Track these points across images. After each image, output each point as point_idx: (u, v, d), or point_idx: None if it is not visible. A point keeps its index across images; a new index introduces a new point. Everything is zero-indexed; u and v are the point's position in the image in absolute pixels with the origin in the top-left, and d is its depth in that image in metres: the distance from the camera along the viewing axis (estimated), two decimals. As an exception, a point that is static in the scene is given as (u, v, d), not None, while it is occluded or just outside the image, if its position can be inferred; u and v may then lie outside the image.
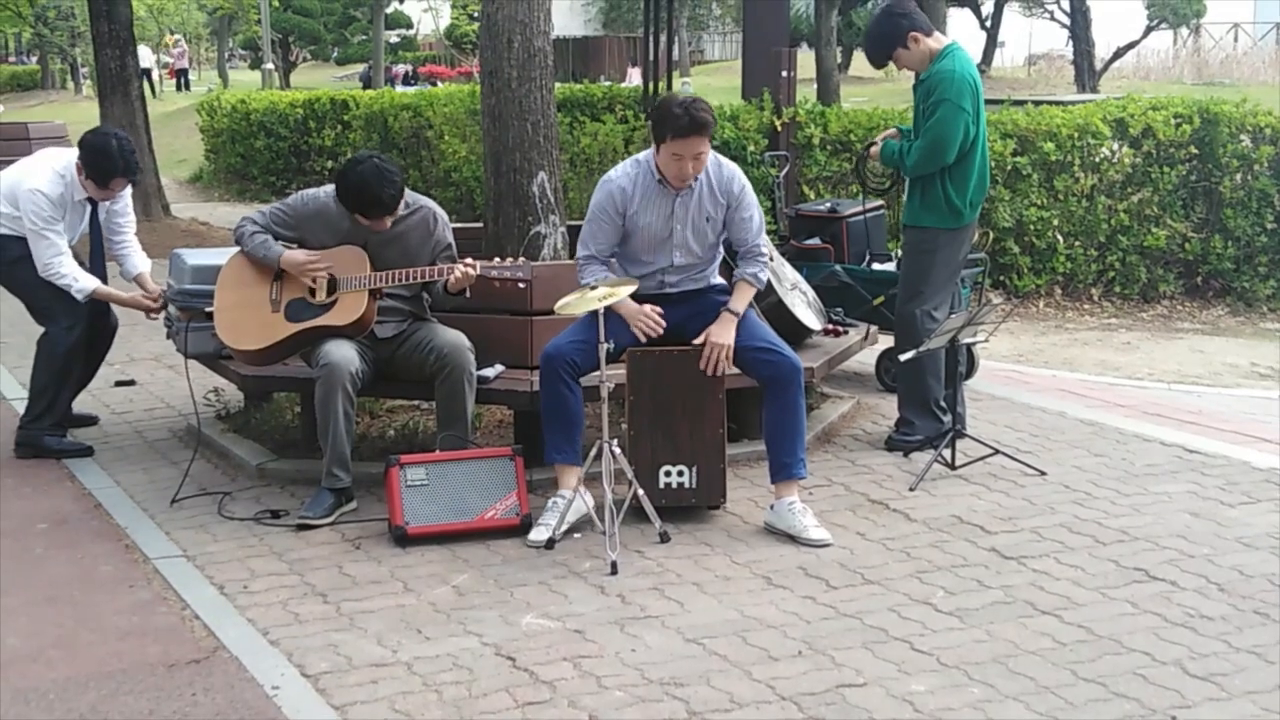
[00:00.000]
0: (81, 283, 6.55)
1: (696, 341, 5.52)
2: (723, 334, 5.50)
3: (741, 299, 5.63)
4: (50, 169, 6.52)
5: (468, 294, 5.79)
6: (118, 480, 6.26)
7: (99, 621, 4.71)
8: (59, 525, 5.73)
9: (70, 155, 6.59)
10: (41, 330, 6.76)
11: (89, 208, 6.68)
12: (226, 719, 3.98)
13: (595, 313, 5.25)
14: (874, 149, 6.75)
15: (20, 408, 7.56)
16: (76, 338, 6.66)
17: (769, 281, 6.54)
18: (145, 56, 41.36)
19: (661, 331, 5.52)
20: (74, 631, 4.63)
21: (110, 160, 6.47)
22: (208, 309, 6.07)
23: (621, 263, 5.73)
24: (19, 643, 4.53)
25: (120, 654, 4.44)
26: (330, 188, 5.88)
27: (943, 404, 6.52)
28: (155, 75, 46.18)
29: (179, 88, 48.41)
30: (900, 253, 7.15)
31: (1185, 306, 11.09)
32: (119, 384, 8.07)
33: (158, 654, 4.44)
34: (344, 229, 5.80)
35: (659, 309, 5.53)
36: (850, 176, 11.43)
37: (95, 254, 6.82)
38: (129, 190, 6.88)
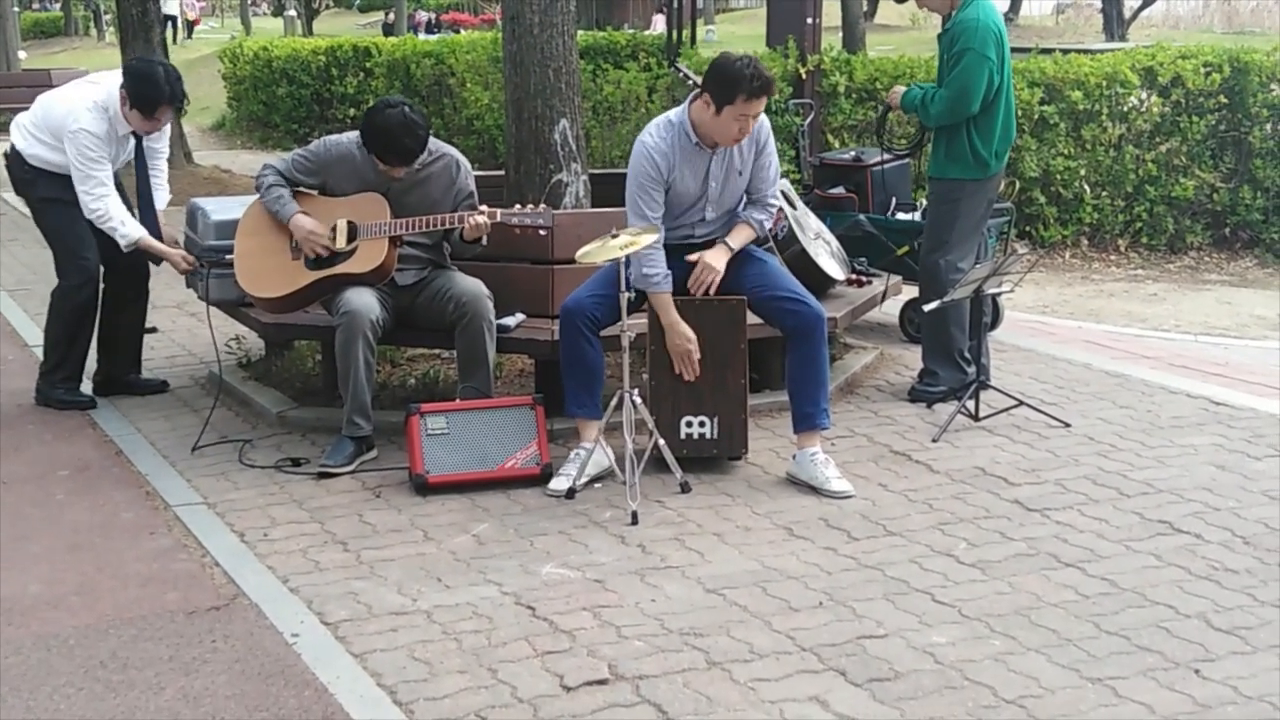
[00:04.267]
0: (128, 229, 6.32)
1: (689, 258, 5.46)
2: (715, 259, 5.46)
3: (739, 236, 5.57)
4: (93, 103, 6.25)
5: (484, 242, 5.76)
6: (139, 427, 6.27)
7: (119, 568, 4.72)
8: (80, 472, 5.74)
9: (111, 86, 6.33)
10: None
11: (133, 141, 6.46)
12: (246, 665, 3.99)
13: (615, 265, 5.21)
14: (893, 97, 6.67)
15: (40, 354, 7.59)
16: (85, 298, 6.52)
17: (792, 230, 6.51)
18: (171, 3, 41.40)
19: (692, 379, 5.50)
20: (94, 578, 4.64)
21: (157, 88, 6.22)
22: (228, 256, 6.05)
23: None
24: (40, 589, 4.54)
25: (140, 601, 4.45)
26: (354, 134, 5.85)
27: (967, 355, 6.48)
28: (180, 22, 46.13)
29: (186, 34, 48.41)
30: (925, 203, 7.10)
31: (1213, 258, 10.99)
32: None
33: (178, 601, 4.44)
34: (367, 176, 5.76)
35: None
36: (873, 130, 11.35)
37: (143, 194, 6.58)
38: (168, 126, 6.66)
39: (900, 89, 6.66)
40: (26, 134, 6.43)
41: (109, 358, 6.84)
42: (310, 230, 5.73)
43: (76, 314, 6.56)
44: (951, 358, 6.52)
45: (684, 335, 5.44)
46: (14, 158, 6.48)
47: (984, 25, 6.21)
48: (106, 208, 6.26)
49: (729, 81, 5.26)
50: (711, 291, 5.46)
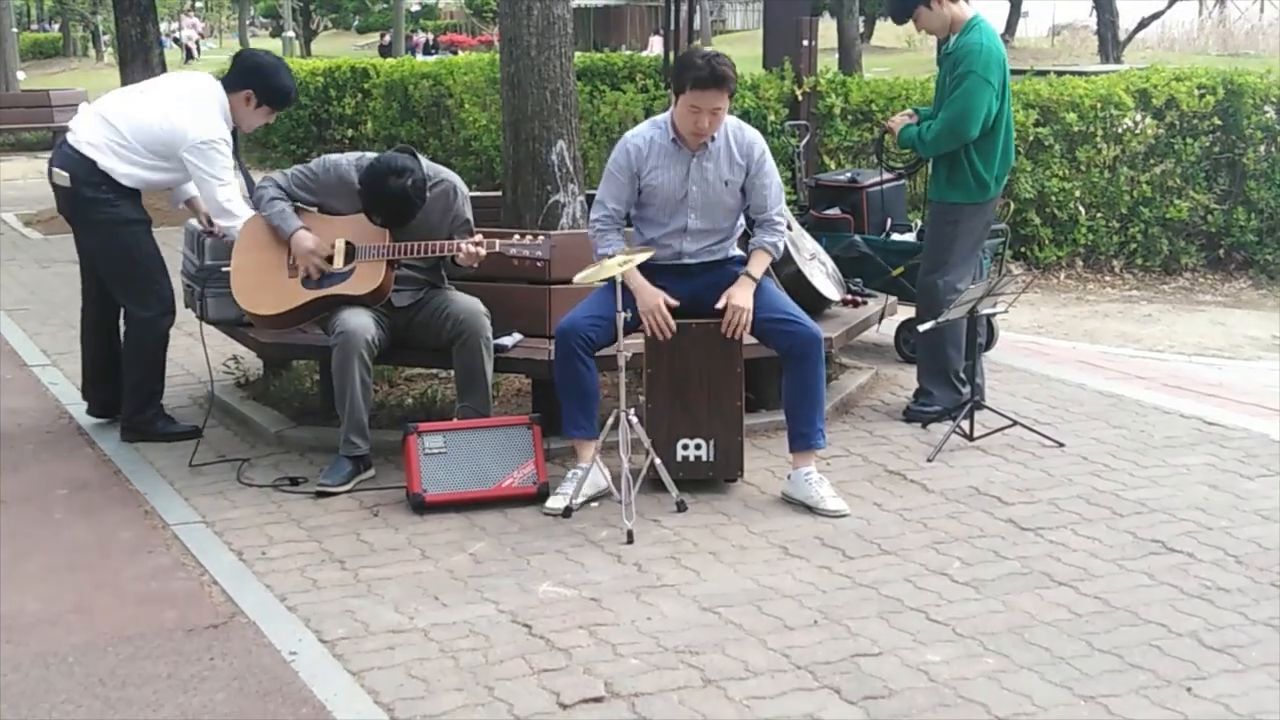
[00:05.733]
0: (241, 219, 6.10)
1: (718, 305, 5.48)
2: (743, 297, 5.47)
3: (758, 265, 5.59)
4: (213, 110, 6.09)
5: (474, 267, 5.77)
6: (137, 447, 6.27)
7: (118, 587, 4.74)
8: (79, 491, 5.76)
9: (216, 90, 6.16)
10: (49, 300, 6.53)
11: (233, 142, 6.26)
12: (244, 683, 4.01)
13: (611, 287, 5.24)
14: (893, 124, 6.71)
15: (41, 374, 7.62)
16: (166, 327, 6.32)
17: (787, 251, 6.53)
18: (187, 26, 41.62)
19: (669, 337, 5.50)
20: (93, 596, 4.66)
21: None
22: (225, 268, 6.07)
23: (638, 226, 5.71)
24: (39, 607, 4.56)
25: (139, 619, 4.46)
26: (354, 156, 5.89)
27: (962, 375, 6.51)
28: (190, 45, 46.39)
29: (185, 59, 48.67)
30: (922, 224, 7.13)
31: (1207, 279, 11.02)
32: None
33: (176, 619, 4.46)
34: (368, 197, 5.78)
35: (672, 305, 5.49)
36: (870, 148, 11.39)
37: (249, 190, 6.33)
38: None
39: (899, 119, 6.67)
40: (113, 154, 6.08)
41: (108, 383, 6.62)
42: (310, 249, 5.76)
43: (159, 345, 6.33)
44: (947, 378, 6.55)
45: (652, 293, 5.46)
46: (97, 178, 6.08)
47: (987, 50, 6.24)
48: (236, 205, 6.12)
49: (681, 71, 5.42)
50: (746, 330, 5.49)
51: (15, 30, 30.03)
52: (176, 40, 51.11)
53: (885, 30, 40.85)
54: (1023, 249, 10.88)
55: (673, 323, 5.47)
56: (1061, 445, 6.19)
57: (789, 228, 6.77)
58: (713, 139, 5.52)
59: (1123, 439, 6.34)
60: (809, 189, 8.64)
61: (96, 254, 6.31)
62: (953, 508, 5.44)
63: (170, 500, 5.59)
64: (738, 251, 5.82)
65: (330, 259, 5.78)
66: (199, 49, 50.77)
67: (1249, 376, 7.95)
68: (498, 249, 5.66)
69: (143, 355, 6.32)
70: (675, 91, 5.44)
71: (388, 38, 40.69)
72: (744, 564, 4.87)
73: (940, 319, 6.15)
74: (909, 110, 6.77)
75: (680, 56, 5.50)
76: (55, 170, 6.18)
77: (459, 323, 5.73)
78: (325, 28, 53.76)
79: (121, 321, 6.46)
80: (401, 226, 5.70)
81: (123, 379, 6.41)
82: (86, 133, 6.14)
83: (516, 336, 6.12)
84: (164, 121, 6.08)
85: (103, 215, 6.15)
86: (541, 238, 5.74)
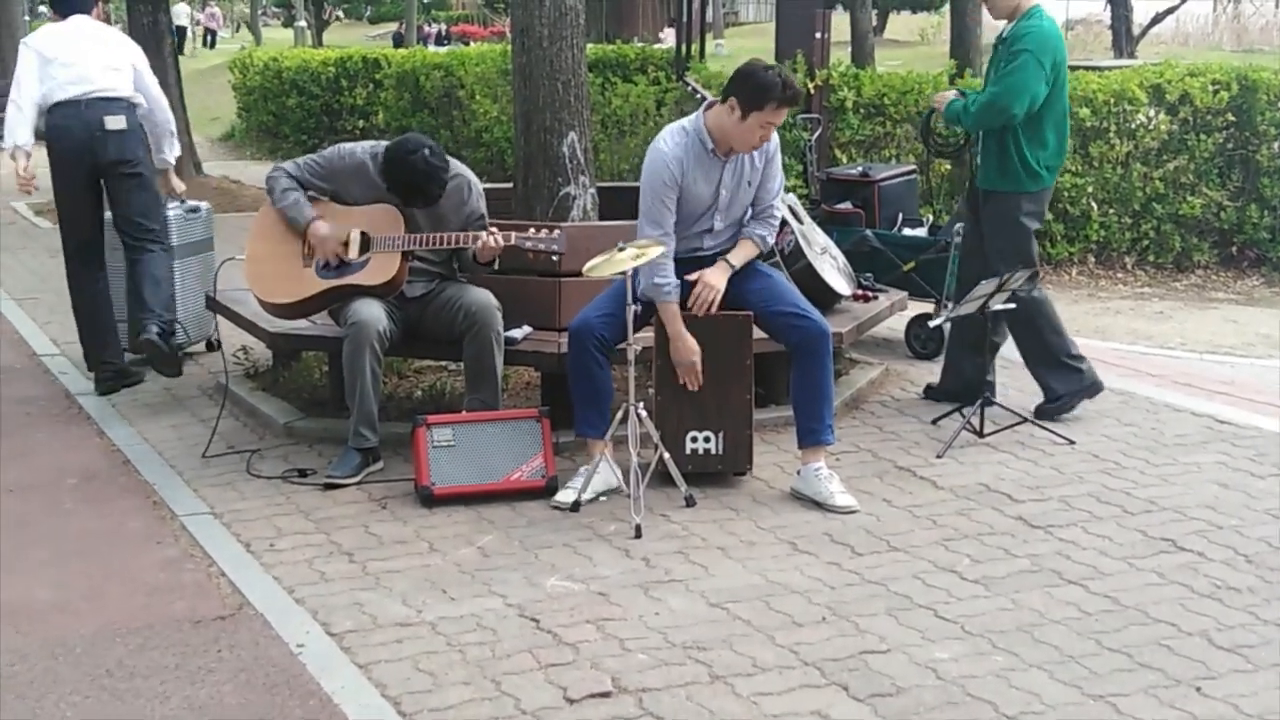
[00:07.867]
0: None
1: (691, 278, 5.48)
2: (716, 277, 5.47)
3: (741, 254, 5.57)
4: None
5: (496, 265, 5.78)
6: (146, 437, 6.29)
7: (126, 577, 4.74)
8: (88, 480, 5.76)
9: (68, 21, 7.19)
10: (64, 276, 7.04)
11: None
12: (251, 675, 4.01)
13: (623, 282, 5.22)
14: (940, 100, 6.59)
15: (51, 364, 7.63)
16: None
17: (798, 245, 6.53)
18: (182, 14, 41.63)
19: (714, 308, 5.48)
20: (101, 586, 4.66)
21: None
22: (239, 257, 6.12)
23: None
24: (47, 597, 4.56)
25: (147, 609, 4.47)
26: (368, 145, 5.88)
27: (1075, 353, 6.43)
28: (190, 33, 46.27)
29: (204, 44, 48.67)
30: (934, 219, 7.06)
31: (1219, 276, 10.98)
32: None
33: (184, 610, 4.46)
34: (381, 188, 5.77)
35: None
36: (914, 137, 11.31)
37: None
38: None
39: (947, 94, 6.57)
40: (128, 82, 6.98)
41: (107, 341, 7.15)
42: (327, 236, 5.76)
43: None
44: (1058, 363, 6.45)
45: (689, 347, 5.46)
46: (139, 122, 6.98)
47: (1046, 34, 6.19)
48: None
49: (760, 88, 5.28)
50: (713, 309, 5.48)
51: (26, 19, 30.04)
52: (211, 32, 51.30)
53: (898, 24, 40.82)
54: (1035, 244, 10.83)
55: (701, 378, 5.50)
56: (1072, 442, 6.17)
57: (800, 220, 6.77)
58: None
59: (1133, 437, 6.32)
60: (820, 183, 8.62)
61: (134, 191, 6.93)
62: (962, 505, 5.43)
63: (179, 491, 5.59)
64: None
65: (346, 247, 5.77)
66: (214, 37, 50.86)
67: (1261, 375, 7.92)
68: (513, 241, 5.64)
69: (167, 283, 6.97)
70: (746, 109, 5.27)
71: (404, 26, 40.67)
72: (752, 559, 4.87)
73: (952, 313, 6.12)
74: (955, 90, 6.69)
75: (745, 73, 5.36)
76: (107, 118, 6.78)
77: (470, 315, 5.72)
78: (337, 18, 53.71)
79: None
80: (427, 202, 5.70)
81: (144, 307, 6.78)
82: (108, 81, 6.92)
83: (526, 329, 6.11)
84: (112, 39, 7.21)
85: (145, 151, 7.05)
86: (556, 231, 5.72)
